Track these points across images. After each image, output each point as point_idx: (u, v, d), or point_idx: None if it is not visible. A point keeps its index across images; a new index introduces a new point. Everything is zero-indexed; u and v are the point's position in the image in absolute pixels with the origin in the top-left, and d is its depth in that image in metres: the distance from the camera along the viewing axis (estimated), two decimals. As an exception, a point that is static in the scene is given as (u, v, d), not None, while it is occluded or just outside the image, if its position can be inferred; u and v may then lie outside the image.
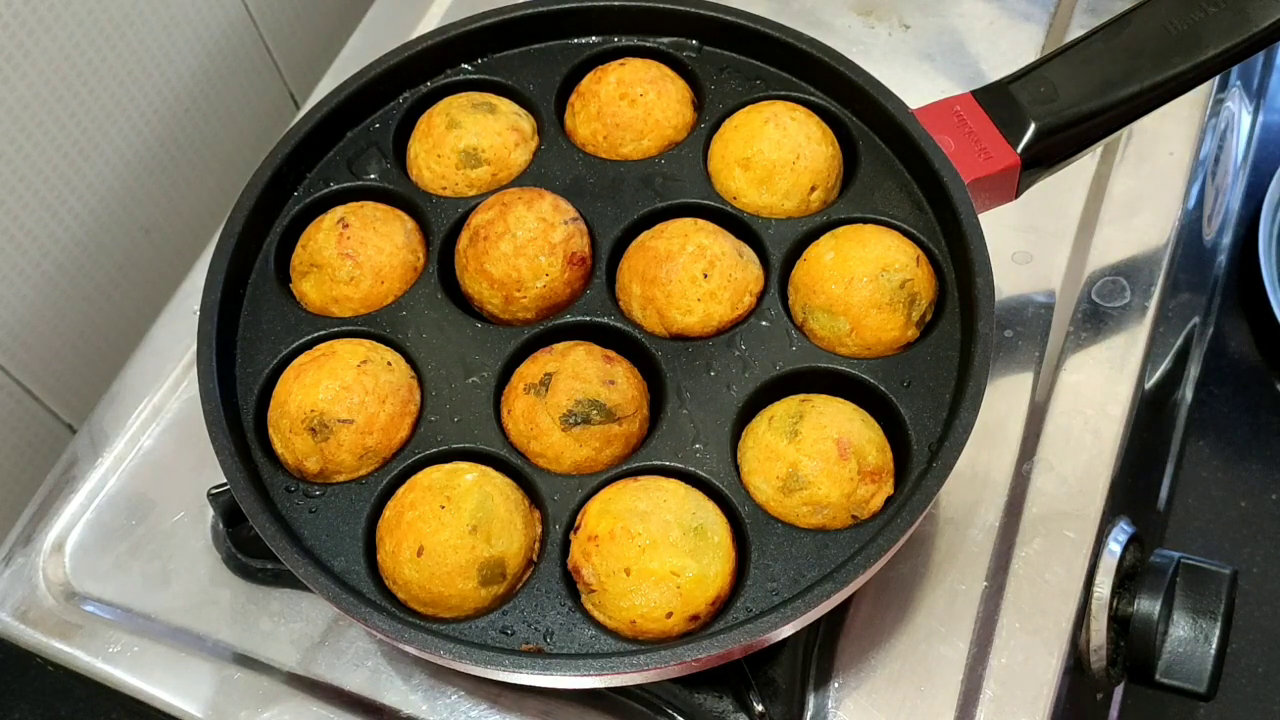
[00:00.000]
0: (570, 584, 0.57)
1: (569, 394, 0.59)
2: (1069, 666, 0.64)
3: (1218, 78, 0.81)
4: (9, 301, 0.78)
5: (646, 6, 0.71)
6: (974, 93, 0.67)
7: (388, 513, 0.58)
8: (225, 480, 0.58)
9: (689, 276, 0.62)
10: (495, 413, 0.61)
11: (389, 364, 0.61)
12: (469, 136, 0.68)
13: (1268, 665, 0.83)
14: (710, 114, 0.69)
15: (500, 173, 0.68)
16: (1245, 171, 0.93)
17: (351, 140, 0.70)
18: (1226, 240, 0.92)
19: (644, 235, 0.65)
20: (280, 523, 0.57)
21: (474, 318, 0.64)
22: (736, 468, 0.59)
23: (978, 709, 0.62)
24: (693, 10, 0.71)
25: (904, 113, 0.65)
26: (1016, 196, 0.67)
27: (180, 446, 0.74)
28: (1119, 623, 0.66)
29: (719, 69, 0.71)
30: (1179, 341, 0.81)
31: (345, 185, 0.69)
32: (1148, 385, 0.74)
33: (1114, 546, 0.67)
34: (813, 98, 0.69)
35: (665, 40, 0.72)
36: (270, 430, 0.61)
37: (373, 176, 0.69)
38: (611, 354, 0.61)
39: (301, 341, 0.63)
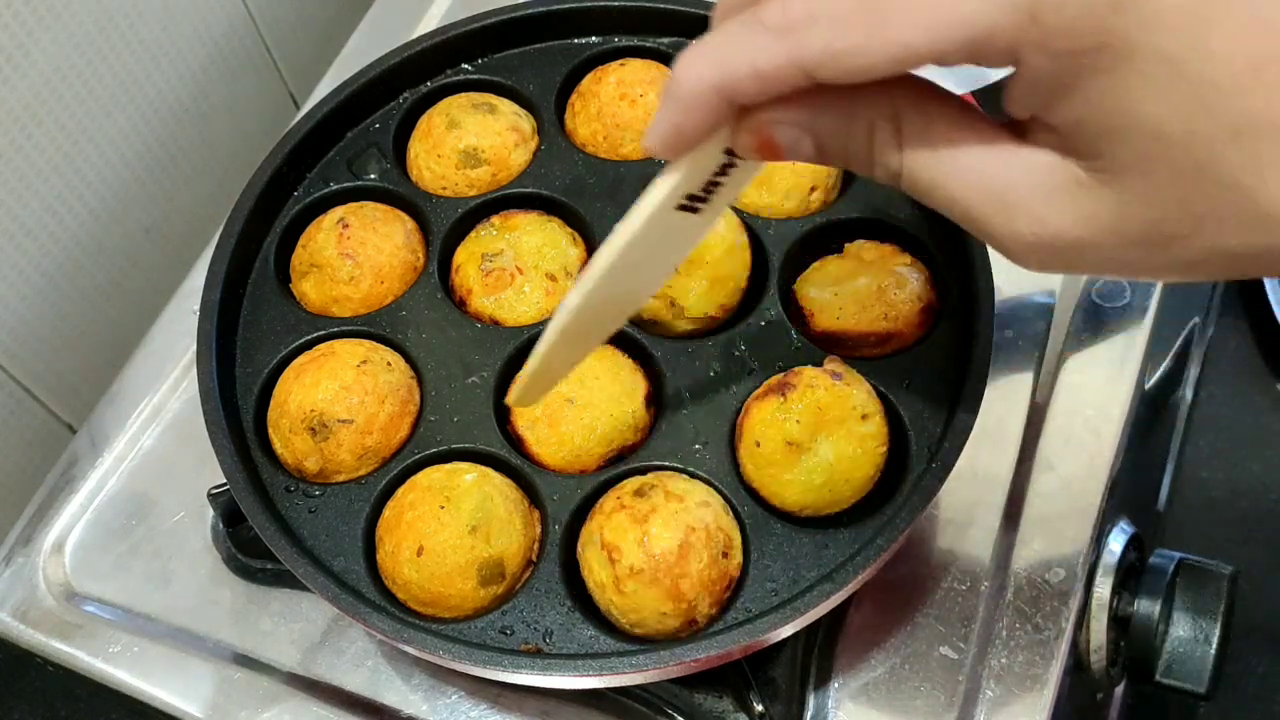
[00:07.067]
0: (570, 584, 0.57)
1: None
2: (1069, 666, 0.64)
3: (1218, 77, 0.80)
4: (9, 301, 0.78)
5: (646, 6, 0.71)
6: (974, 93, 0.66)
7: (387, 513, 0.58)
8: (225, 480, 0.58)
9: (689, 276, 0.62)
10: (495, 413, 0.61)
11: (389, 364, 0.61)
12: (469, 136, 0.68)
13: (1268, 665, 0.83)
14: (710, 114, 0.69)
15: (500, 173, 0.68)
16: (1246, 171, 0.93)
17: (351, 140, 0.70)
18: (1227, 240, 0.92)
19: (644, 235, 0.64)
20: (280, 523, 0.57)
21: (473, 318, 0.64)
22: (736, 468, 0.59)
23: (978, 709, 0.62)
24: (693, 10, 0.71)
25: (904, 113, 0.65)
26: (1016, 196, 0.67)
27: (180, 446, 0.74)
28: (1119, 623, 0.66)
29: (719, 69, 0.71)
30: (1179, 341, 0.81)
31: (345, 185, 0.69)
32: (1148, 385, 0.74)
33: (1114, 546, 0.67)
34: (813, 98, 0.69)
35: (665, 40, 0.72)
36: (270, 430, 0.61)
37: (373, 176, 0.69)
38: None
39: (301, 341, 0.63)
